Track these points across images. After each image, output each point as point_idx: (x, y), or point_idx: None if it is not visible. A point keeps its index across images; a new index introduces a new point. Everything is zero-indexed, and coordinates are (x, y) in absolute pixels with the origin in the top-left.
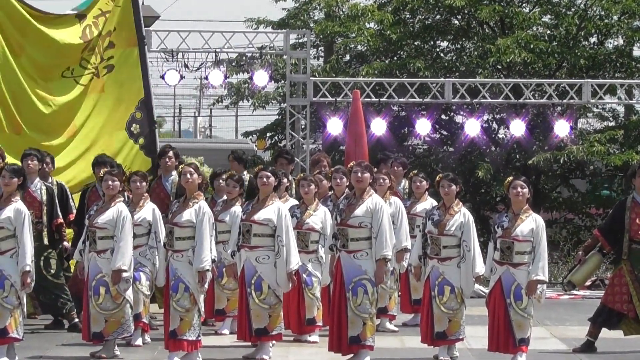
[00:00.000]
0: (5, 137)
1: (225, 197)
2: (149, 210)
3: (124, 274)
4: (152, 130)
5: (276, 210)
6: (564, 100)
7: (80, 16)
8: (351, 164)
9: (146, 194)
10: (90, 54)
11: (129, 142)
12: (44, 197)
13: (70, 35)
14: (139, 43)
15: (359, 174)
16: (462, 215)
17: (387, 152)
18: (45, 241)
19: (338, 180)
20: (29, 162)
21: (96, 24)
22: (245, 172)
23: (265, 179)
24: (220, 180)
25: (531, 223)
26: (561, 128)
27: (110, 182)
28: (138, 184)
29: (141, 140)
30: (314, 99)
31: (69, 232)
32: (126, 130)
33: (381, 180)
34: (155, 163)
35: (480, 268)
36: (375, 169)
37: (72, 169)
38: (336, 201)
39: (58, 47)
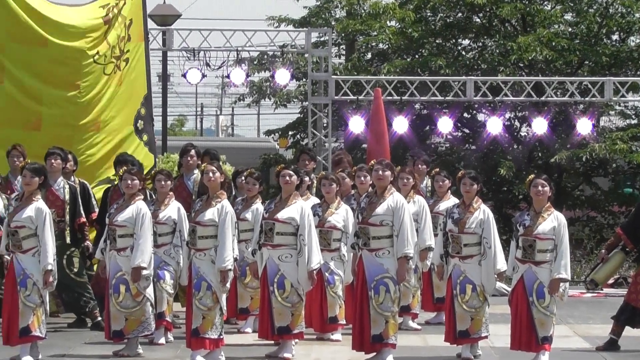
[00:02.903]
0: (23, 135)
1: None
2: (174, 208)
3: (144, 272)
4: (151, 127)
5: (299, 208)
6: (586, 98)
7: None
8: (372, 162)
9: (171, 193)
10: (117, 42)
11: (135, 138)
12: (67, 196)
13: (90, 15)
14: (145, 38)
15: (380, 172)
16: (481, 213)
17: (416, 151)
18: (68, 240)
19: (362, 179)
20: (52, 160)
21: (118, 6)
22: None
23: (287, 178)
24: (242, 178)
25: (553, 221)
26: (583, 126)
27: (129, 181)
28: (163, 182)
29: (145, 137)
30: (335, 97)
31: (91, 230)
32: (133, 126)
33: (405, 180)
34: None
35: (502, 265)
36: (399, 167)
37: (92, 164)
38: (359, 200)
39: (80, 30)
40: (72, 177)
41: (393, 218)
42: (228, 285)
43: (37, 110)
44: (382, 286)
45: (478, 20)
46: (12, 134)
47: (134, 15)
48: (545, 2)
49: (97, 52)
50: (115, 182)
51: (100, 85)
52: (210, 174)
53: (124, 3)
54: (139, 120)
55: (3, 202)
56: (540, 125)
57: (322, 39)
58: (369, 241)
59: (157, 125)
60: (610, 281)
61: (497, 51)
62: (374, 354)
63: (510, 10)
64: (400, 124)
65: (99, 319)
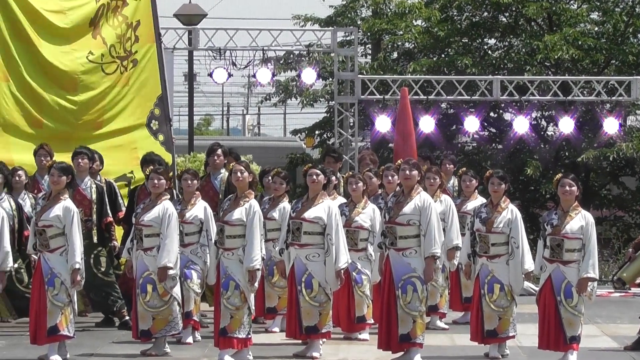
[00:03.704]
0: (27, 134)
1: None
2: (200, 208)
3: (170, 272)
4: (168, 127)
5: (326, 208)
6: (613, 97)
7: None
8: (399, 161)
9: (197, 192)
10: (118, 41)
11: (150, 138)
12: (94, 196)
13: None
14: (156, 39)
15: (407, 172)
16: (509, 212)
17: (426, 153)
18: (95, 239)
19: (389, 178)
20: (79, 160)
21: (110, 5)
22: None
23: (314, 177)
24: (270, 178)
25: (580, 220)
26: (610, 125)
27: (156, 181)
28: (189, 182)
29: (160, 137)
30: (362, 96)
31: (118, 230)
32: (146, 126)
33: (431, 180)
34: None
35: (530, 264)
36: (425, 166)
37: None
38: (386, 199)
39: (67, 31)
40: (99, 177)
41: (420, 217)
42: (256, 284)
43: (39, 108)
44: (409, 285)
45: (504, 19)
46: (17, 132)
47: (141, 16)
48: (572, 1)
49: (90, 52)
50: (132, 181)
51: (100, 84)
52: (239, 174)
53: (123, 3)
54: (153, 121)
55: (30, 201)
56: (567, 125)
57: (348, 38)
58: (396, 240)
59: (184, 124)
60: (638, 280)
61: (524, 50)
62: (401, 353)
63: (536, 10)
64: (427, 124)
65: (127, 318)
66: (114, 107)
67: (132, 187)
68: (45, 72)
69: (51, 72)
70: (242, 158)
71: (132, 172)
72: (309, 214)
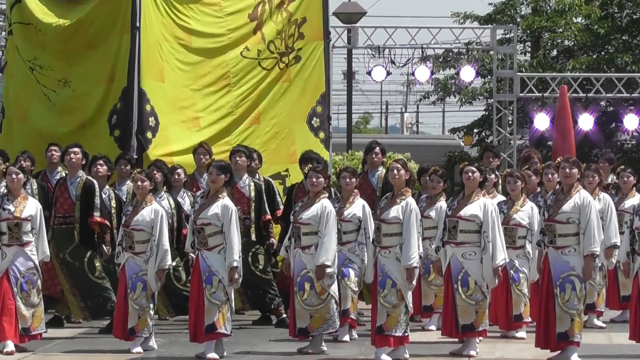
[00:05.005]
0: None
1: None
2: (358, 206)
3: (328, 270)
4: (328, 125)
5: (482, 205)
6: None
7: None
8: (559, 159)
9: (355, 190)
10: (278, 37)
11: (309, 135)
12: (252, 194)
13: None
14: (324, 37)
15: (567, 170)
16: None
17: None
18: (253, 237)
19: (549, 176)
20: (237, 158)
21: (273, 2)
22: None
23: (470, 174)
24: (427, 176)
25: None
26: None
27: (314, 179)
28: (347, 179)
29: (321, 134)
30: (520, 94)
31: (275, 228)
32: (307, 123)
33: (590, 178)
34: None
35: None
36: (584, 165)
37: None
38: (546, 197)
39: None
40: (257, 175)
41: (580, 216)
42: (414, 282)
43: (195, 107)
44: (568, 284)
45: None
46: (171, 132)
47: (309, 13)
48: None
49: (246, 47)
50: (287, 179)
51: (255, 79)
52: (395, 171)
53: (293, 4)
54: (314, 118)
55: (189, 200)
56: None
57: (507, 35)
58: (555, 239)
59: (342, 122)
60: None
61: None
62: (558, 352)
63: None
64: (586, 121)
65: (284, 316)
66: (275, 103)
67: (289, 185)
68: (195, 70)
69: (202, 69)
70: (400, 156)
71: (287, 170)
72: (465, 211)
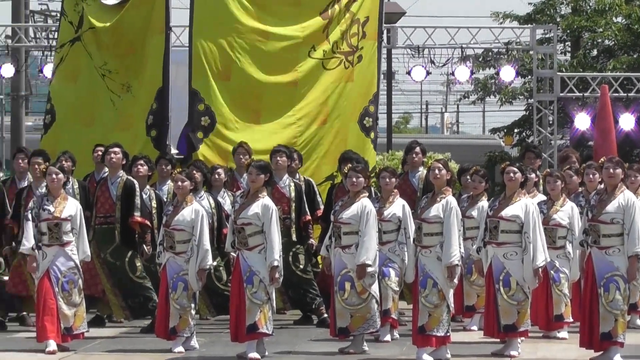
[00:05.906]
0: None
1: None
2: (398, 206)
3: (369, 269)
4: (376, 125)
5: (523, 206)
6: None
7: None
8: (602, 159)
9: (395, 190)
10: (341, 37)
11: (362, 136)
12: (292, 194)
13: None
14: (378, 37)
15: (611, 170)
16: None
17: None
18: (294, 237)
19: (590, 176)
20: (278, 158)
21: (341, 2)
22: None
23: (511, 175)
24: (468, 176)
25: None
26: None
27: (354, 179)
28: (387, 179)
29: (372, 134)
30: (561, 94)
31: (316, 228)
32: (358, 122)
33: (632, 178)
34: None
35: None
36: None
37: (317, 160)
38: (588, 197)
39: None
40: (297, 175)
41: (624, 216)
42: (456, 280)
43: (257, 106)
44: (612, 284)
45: None
46: (230, 132)
47: (370, 13)
48: None
49: (313, 47)
50: (338, 179)
51: (319, 79)
52: (436, 171)
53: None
54: (366, 118)
55: (229, 199)
56: None
57: (547, 35)
58: (599, 239)
59: (382, 122)
60: None
61: None
62: (601, 352)
63: None
64: (627, 121)
65: (325, 316)
66: (339, 104)
67: (329, 185)
68: (269, 66)
69: (274, 66)
70: (441, 156)
71: (337, 171)
72: (506, 212)
